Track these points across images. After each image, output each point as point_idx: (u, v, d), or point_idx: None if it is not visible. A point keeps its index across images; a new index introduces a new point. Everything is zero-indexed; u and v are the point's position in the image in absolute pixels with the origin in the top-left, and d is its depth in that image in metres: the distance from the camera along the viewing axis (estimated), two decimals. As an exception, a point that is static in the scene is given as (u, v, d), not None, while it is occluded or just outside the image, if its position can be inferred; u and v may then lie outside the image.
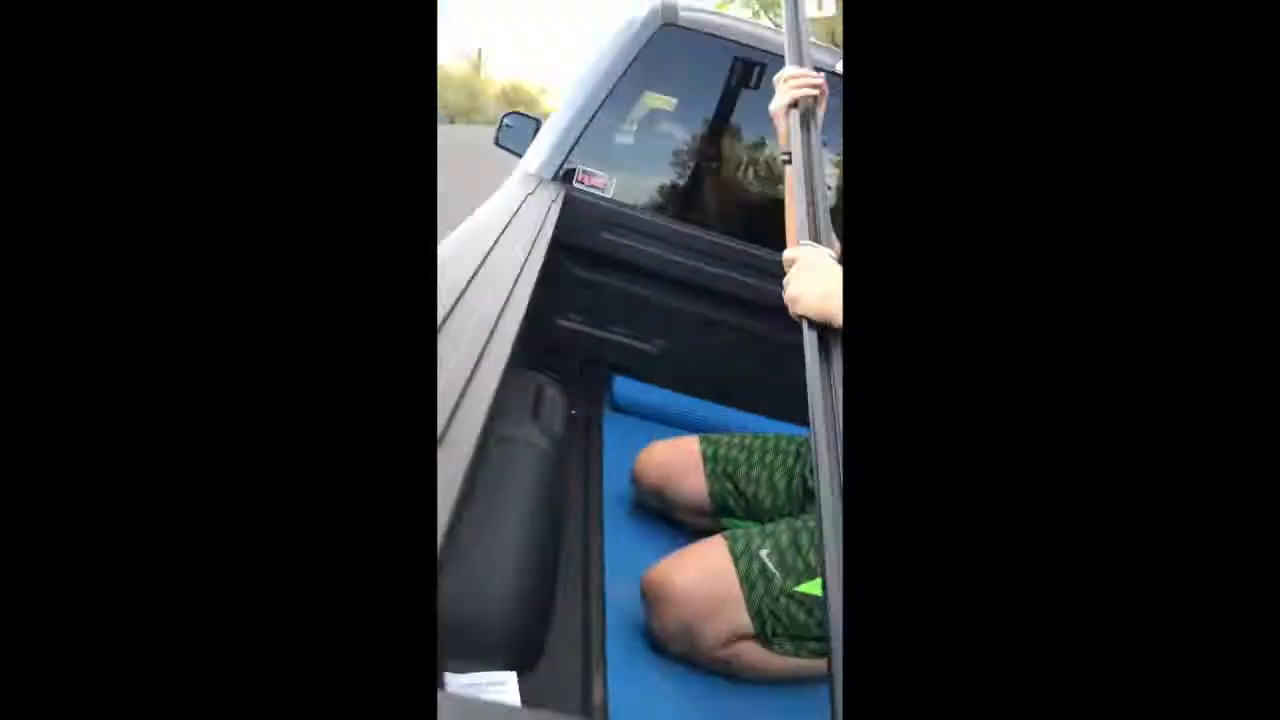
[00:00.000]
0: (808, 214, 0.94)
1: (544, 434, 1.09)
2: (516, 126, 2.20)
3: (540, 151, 1.76)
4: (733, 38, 1.69)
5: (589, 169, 1.74)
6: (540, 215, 1.37)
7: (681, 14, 1.67)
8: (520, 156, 1.99)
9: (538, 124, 2.13)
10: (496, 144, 2.22)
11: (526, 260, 1.07)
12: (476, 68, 26.15)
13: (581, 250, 1.72)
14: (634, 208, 1.78)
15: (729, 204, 1.92)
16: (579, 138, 1.71)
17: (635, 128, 2.11)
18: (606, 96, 1.70)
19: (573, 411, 1.71)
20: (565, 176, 1.71)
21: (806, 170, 0.98)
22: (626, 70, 1.68)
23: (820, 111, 1.07)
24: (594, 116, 1.71)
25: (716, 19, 1.75)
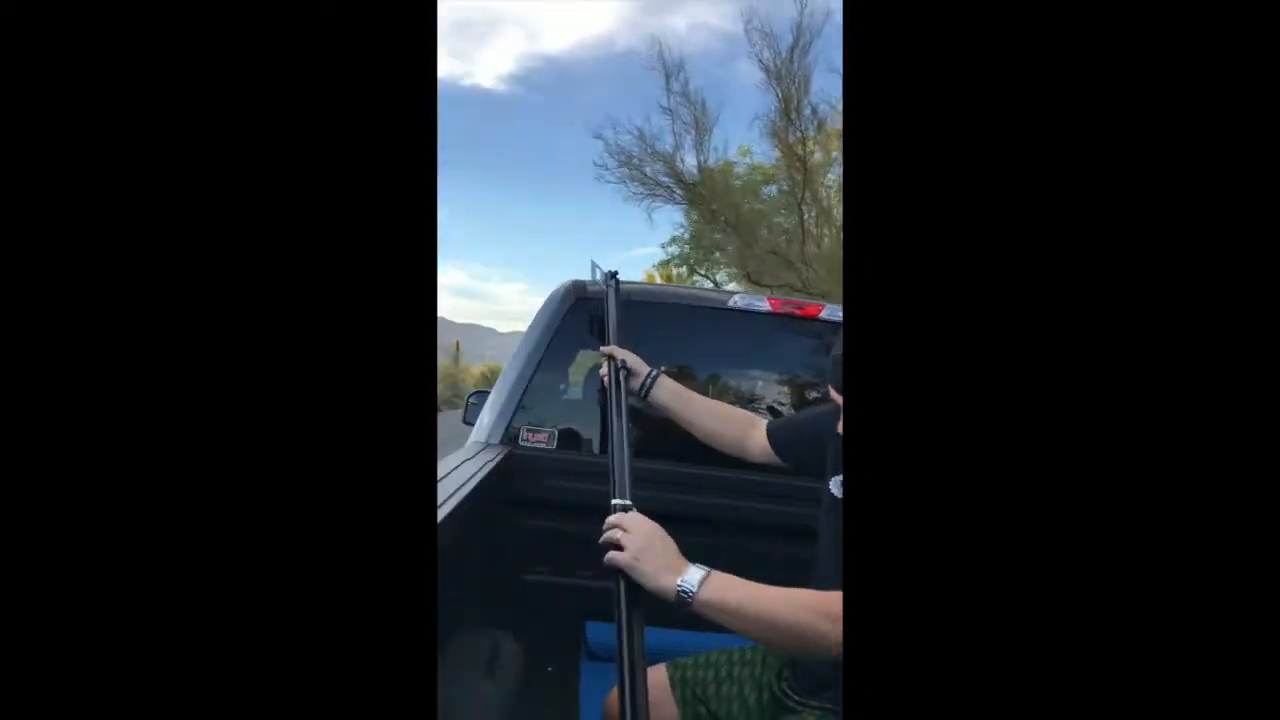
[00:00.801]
0: (617, 473, 1.08)
1: (499, 691, 1.07)
2: (480, 403, 2.34)
3: (486, 419, 1.89)
4: (635, 297, 1.96)
5: (531, 426, 1.88)
6: (471, 471, 1.42)
7: (589, 288, 1.98)
8: None
9: None
10: (464, 422, 2.34)
11: (452, 509, 1.07)
12: (455, 359, 27.99)
13: (531, 500, 1.80)
14: (576, 453, 1.91)
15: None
16: (519, 402, 1.85)
17: (581, 384, 2.33)
18: (539, 363, 1.90)
19: (549, 669, 1.64)
20: (511, 438, 1.83)
21: (615, 437, 1.17)
22: (551, 340, 1.91)
23: (627, 380, 1.36)
24: (530, 381, 1.88)
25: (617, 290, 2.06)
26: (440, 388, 21.21)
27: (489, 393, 2.38)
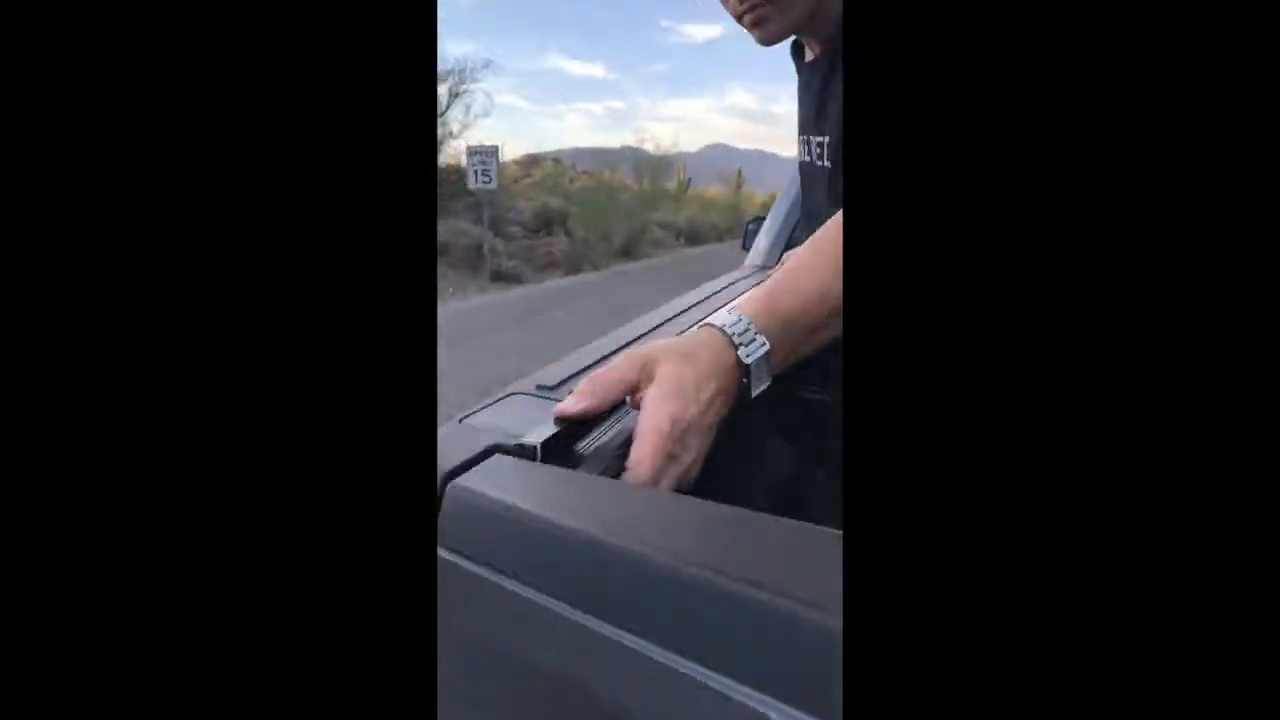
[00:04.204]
0: None
1: None
2: (757, 230, 2.28)
3: (761, 243, 1.79)
4: None
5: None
6: (744, 288, 1.31)
7: None
8: None
9: None
10: (744, 248, 2.33)
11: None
12: (736, 188, 27.15)
13: None
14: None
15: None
16: (794, 228, 1.73)
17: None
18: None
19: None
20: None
21: None
22: None
23: None
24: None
25: None
26: (721, 217, 20.89)
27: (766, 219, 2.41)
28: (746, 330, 0.58)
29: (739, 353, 0.58)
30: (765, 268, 1.68)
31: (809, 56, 1.00)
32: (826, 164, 0.90)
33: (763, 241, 1.81)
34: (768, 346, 0.58)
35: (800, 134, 1.06)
